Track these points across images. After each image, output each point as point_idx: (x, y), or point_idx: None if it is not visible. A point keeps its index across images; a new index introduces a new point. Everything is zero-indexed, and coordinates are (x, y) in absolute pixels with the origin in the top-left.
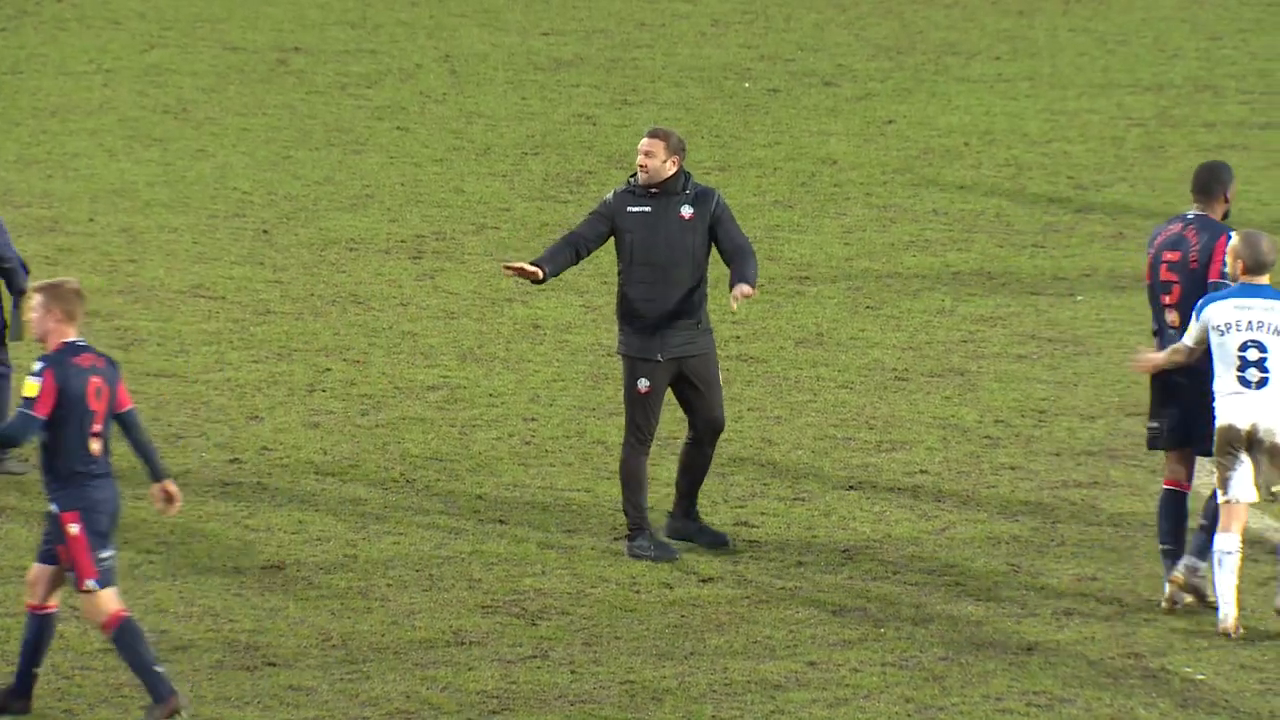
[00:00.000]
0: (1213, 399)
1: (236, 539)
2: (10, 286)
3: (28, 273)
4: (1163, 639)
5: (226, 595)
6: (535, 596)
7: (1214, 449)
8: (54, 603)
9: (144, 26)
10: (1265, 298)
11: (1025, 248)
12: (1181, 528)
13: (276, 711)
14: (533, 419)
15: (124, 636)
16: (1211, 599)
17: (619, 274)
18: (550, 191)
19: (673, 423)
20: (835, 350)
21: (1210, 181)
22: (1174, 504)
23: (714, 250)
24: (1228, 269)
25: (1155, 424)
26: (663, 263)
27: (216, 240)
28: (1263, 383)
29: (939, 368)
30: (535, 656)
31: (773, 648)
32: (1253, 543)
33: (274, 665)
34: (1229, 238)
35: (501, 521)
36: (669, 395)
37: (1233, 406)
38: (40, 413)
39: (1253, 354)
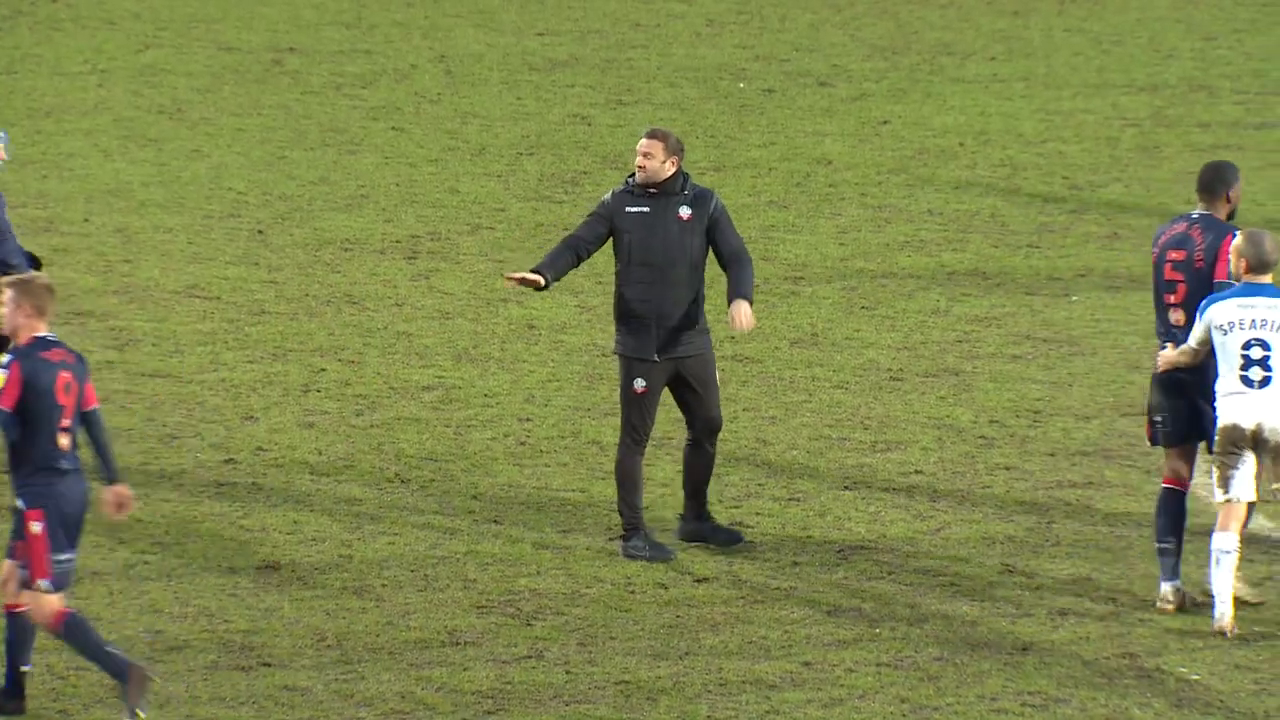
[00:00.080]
0: (1214, 397)
1: (231, 539)
2: None
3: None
4: (1158, 639)
5: (221, 595)
6: (530, 596)
7: (1216, 448)
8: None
9: (139, 27)
10: (1268, 296)
11: (1020, 248)
12: (1180, 526)
13: (271, 712)
14: (528, 419)
15: (72, 631)
16: (1206, 595)
17: (616, 274)
18: (545, 192)
19: (668, 423)
20: (830, 350)
21: (1214, 181)
22: (1173, 503)
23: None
24: (1231, 268)
25: (1159, 418)
26: (660, 263)
27: (211, 240)
28: (1265, 381)
29: (934, 368)
30: (530, 656)
31: (768, 648)
32: (1249, 542)
33: (269, 665)
34: (1235, 237)
35: (496, 521)
36: (665, 396)
37: (1236, 406)
38: (5, 405)
39: (1256, 353)
